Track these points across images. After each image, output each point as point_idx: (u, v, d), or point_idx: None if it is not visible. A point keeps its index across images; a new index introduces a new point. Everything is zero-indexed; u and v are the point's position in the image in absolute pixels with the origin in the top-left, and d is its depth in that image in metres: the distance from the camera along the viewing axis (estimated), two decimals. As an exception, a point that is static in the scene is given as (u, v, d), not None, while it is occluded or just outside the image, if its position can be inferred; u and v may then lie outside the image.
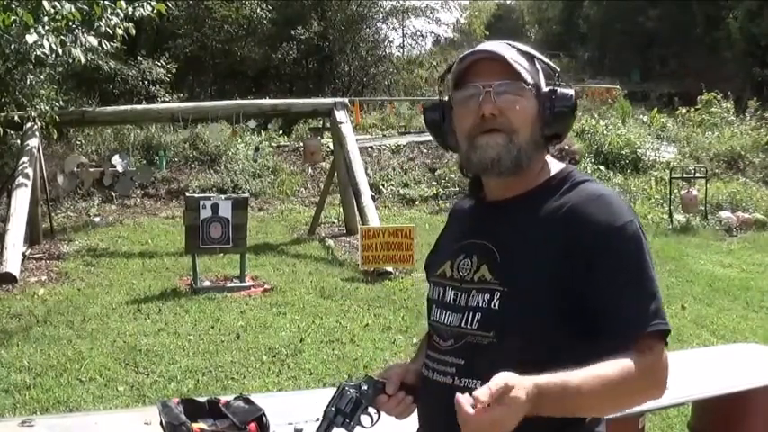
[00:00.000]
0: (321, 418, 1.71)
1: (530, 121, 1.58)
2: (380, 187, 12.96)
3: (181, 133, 12.69)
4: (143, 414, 2.69)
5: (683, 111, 16.95)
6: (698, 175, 11.90)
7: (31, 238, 9.21)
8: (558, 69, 1.67)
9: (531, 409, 1.34)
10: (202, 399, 2.67)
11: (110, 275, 7.95)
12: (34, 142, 9.37)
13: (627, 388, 1.44)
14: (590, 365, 1.42)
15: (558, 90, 1.61)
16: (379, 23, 24.13)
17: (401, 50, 26.91)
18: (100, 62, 12.00)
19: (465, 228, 1.72)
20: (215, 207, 7.50)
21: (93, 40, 7.12)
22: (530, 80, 1.59)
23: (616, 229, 1.50)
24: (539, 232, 1.55)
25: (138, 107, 11.59)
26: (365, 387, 1.71)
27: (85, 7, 6.87)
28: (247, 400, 2.61)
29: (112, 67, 14.50)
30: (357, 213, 9.60)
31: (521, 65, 1.60)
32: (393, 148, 14.51)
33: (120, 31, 7.20)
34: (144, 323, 6.31)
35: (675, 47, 26.54)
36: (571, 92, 1.62)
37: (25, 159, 9.12)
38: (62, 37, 6.79)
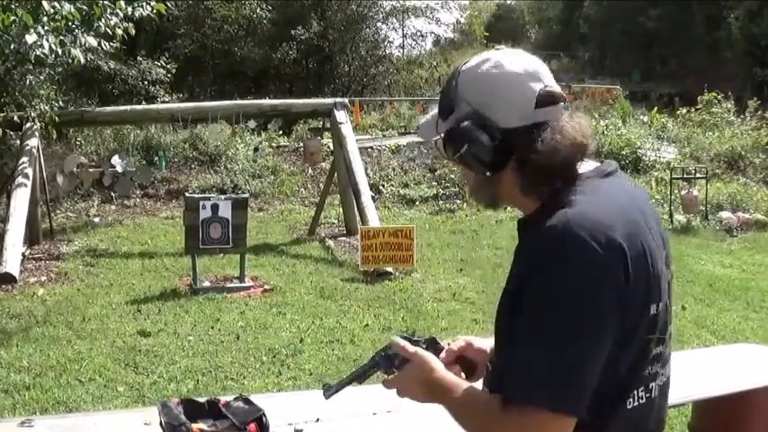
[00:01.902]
0: (368, 361, 1.72)
1: (465, 173, 1.59)
2: (380, 187, 12.96)
3: (181, 133, 12.71)
4: (143, 414, 2.68)
5: (684, 111, 16.95)
6: (698, 175, 11.89)
7: (31, 238, 9.20)
8: (440, 101, 1.56)
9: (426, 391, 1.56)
10: (202, 399, 2.67)
11: (109, 276, 7.95)
12: (34, 142, 9.37)
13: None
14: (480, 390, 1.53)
15: (441, 132, 1.56)
16: (379, 23, 24.18)
17: (401, 50, 26.99)
18: (99, 62, 12.03)
19: None
20: (215, 207, 7.49)
21: (92, 41, 7.11)
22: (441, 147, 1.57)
23: (534, 274, 1.41)
24: (516, 262, 1.51)
25: (138, 107, 11.59)
26: (423, 345, 1.69)
27: (85, 7, 6.86)
28: (247, 401, 2.60)
29: (112, 67, 14.51)
30: (357, 214, 9.60)
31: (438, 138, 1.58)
32: (393, 148, 14.51)
33: (119, 32, 7.19)
34: (144, 323, 6.31)
35: (676, 47, 26.54)
36: (441, 129, 1.55)
37: (25, 159, 9.11)
38: (62, 37, 6.78)
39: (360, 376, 1.71)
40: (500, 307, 1.51)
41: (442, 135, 1.55)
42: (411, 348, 1.61)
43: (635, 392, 1.48)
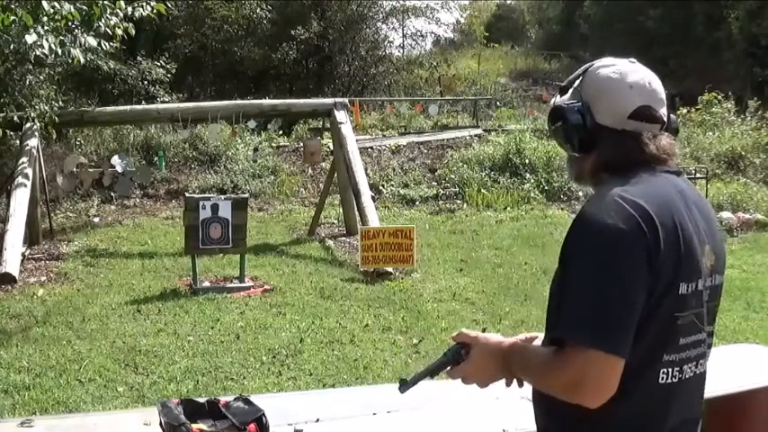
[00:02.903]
0: (441, 356, 1.77)
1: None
2: (380, 187, 12.96)
3: (180, 133, 12.70)
4: (142, 415, 2.68)
5: (684, 111, 16.94)
6: (698, 175, 11.89)
7: (31, 238, 9.20)
8: (566, 81, 1.80)
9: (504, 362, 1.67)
10: (202, 399, 2.67)
11: (109, 276, 7.94)
12: (33, 142, 9.37)
13: (547, 383, 1.58)
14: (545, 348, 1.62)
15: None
16: (379, 23, 24.14)
17: (401, 50, 26.98)
18: (99, 62, 11.99)
19: None
20: (215, 207, 7.49)
21: (92, 41, 7.10)
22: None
23: (574, 236, 1.58)
24: None
25: (138, 107, 11.59)
26: None
27: (85, 7, 6.84)
28: (247, 401, 2.60)
29: (112, 67, 14.48)
30: (357, 214, 9.60)
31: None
32: (393, 148, 14.51)
33: (119, 32, 7.18)
34: (143, 324, 6.30)
35: (676, 47, 26.49)
36: (555, 102, 1.75)
37: (24, 160, 9.11)
38: (61, 37, 6.77)
39: (433, 371, 1.75)
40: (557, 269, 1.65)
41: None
42: (472, 333, 1.73)
43: (668, 370, 1.59)
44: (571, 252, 1.58)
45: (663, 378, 1.58)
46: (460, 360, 1.71)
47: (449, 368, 1.72)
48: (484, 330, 1.75)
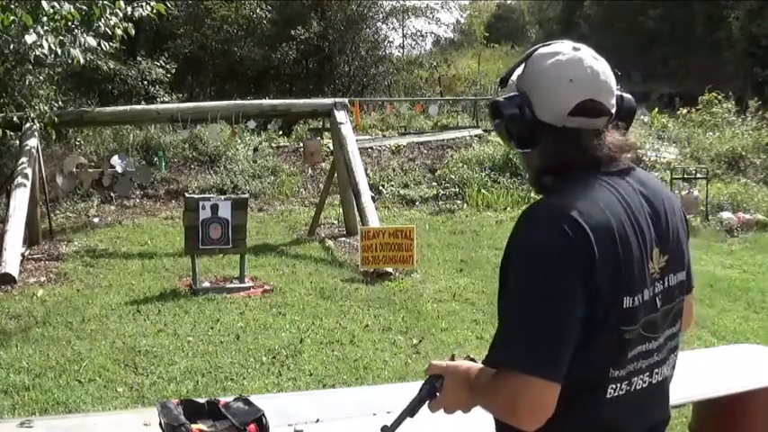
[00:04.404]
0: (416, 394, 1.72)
1: None
2: (380, 188, 12.96)
3: (180, 134, 12.70)
4: (142, 415, 2.68)
5: (684, 111, 16.94)
6: (699, 175, 11.88)
7: (30, 238, 9.20)
8: (506, 71, 1.68)
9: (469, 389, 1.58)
10: (202, 400, 2.67)
11: (109, 276, 7.94)
12: (33, 143, 9.36)
13: (487, 406, 1.56)
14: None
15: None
16: (379, 23, 24.13)
17: (401, 50, 26.95)
18: (99, 62, 11.99)
19: None
20: (214, 208, 7.48)
21: (92, 41, 7.10)
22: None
23: (508, 253, 1.54)
24: None
25: (138, 107, 11.59)
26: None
27: (85, 7, 6.85)
28: (247, 402, 2.60)
29: (112, 67, 14.49)
30: (357, 214, 9.59)
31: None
32: (393, 148, 14.51)
33: (119, 32, 7.18)
34: (143, 324, 6.30)
35: (676, 47, 26.51)
36: (500, 99, 1.62)
37: (24, 160, 9.11)
38: (61, 37, 6.77)
39: (412, 410, 1.70)
40: None
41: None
42: (443, 363, 1.66)
43: (616, 385, 1.54)
44: (504, 272, 1.54)
45: (611, 393, 1.53)
46: (436, 392, 1.66)
47: (427, 403, 1.67)
48: (452, 357, 1.69)
